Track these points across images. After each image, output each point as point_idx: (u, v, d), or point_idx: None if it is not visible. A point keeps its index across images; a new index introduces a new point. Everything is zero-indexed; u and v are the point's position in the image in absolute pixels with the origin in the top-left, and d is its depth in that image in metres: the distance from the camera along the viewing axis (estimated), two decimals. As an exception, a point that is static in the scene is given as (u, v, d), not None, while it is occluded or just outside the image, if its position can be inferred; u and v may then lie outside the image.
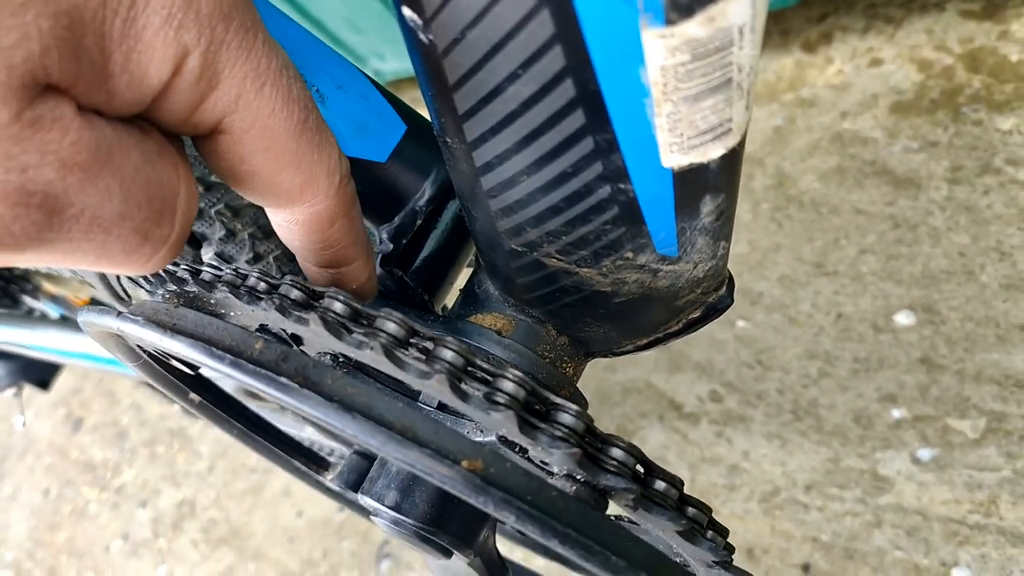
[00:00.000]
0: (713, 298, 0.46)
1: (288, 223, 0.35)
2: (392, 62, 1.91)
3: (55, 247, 0.25)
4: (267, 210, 0.34)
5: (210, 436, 2.03)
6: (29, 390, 1.35)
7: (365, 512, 0.73)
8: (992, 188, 1.17)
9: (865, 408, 1.13)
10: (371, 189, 0.50)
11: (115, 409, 2.33)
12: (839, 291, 1.23)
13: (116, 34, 0.23)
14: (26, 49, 0.21)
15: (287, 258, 0.66)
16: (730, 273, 0.46)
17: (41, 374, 1.24)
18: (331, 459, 0.66)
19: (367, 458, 0.64)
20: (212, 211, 0.62)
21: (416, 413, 0.32)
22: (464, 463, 0.32)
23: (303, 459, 0.66)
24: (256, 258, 0.65)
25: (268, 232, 0.64)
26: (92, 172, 0.24)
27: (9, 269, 1.13)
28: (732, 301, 0.46)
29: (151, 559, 1.91)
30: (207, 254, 0.60)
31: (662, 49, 0.27)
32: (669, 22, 0.26)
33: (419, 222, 0.50)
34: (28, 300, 1.14)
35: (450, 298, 0.58)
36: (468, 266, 0.58)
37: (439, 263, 0.54)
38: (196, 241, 0.59)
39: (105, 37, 0.23)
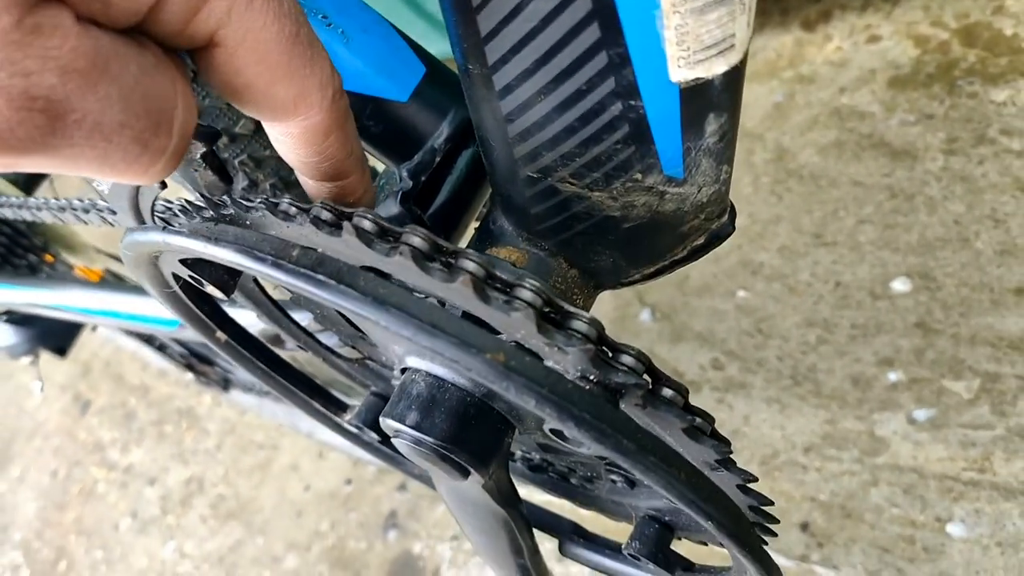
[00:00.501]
0: (716, 225, 0.48)
1: (284, 136, 0.36)
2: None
3: (59, 152, 0.26)
4: (264, 125, 0.36)
5: (218, 414, 2.05)
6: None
7: (379, 452, 0.75)
8: (987, 158, 1.20)
9: (862, 372, 1.16)
10: (392, 128, 0.52)
11: (122, 391, 2.36)
12: (837, 260, 1.26)
13: None
14: None
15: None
16: (732, 203, 0.49)
17: (58, 341, 1.26)
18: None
19: (383, 398, 0.66)
20: (236, 161, 0.64)
21: (443, 311, 0.35)
22: (488, 355, 0.34)
23: (322, 400, 0.68)
24: (276, 207, 0.68)
25: (288, 183, 0.67)
26: (92, 79, 0.25)
27: (29, 239, 1.16)
28: (733, 228, 0.49)
29: (160, 536, 1.94)
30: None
31: (672, -41, 0.29)
32: (678, -68, 0.28)
33: (437, 159, 0.52)
34: (47, 270, 1.17)
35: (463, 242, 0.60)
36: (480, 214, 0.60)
37: (454, 207, 0.56)
38: (229, 177, 0.62)
39: None
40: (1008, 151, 1.19)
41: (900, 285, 1.19)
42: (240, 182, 0.66)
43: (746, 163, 1.43)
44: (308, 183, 0.41)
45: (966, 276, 1.14)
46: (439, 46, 1.90)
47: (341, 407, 0.69)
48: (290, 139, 0.37)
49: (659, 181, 0.42)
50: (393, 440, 0.51)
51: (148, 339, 1.36)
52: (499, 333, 0.41)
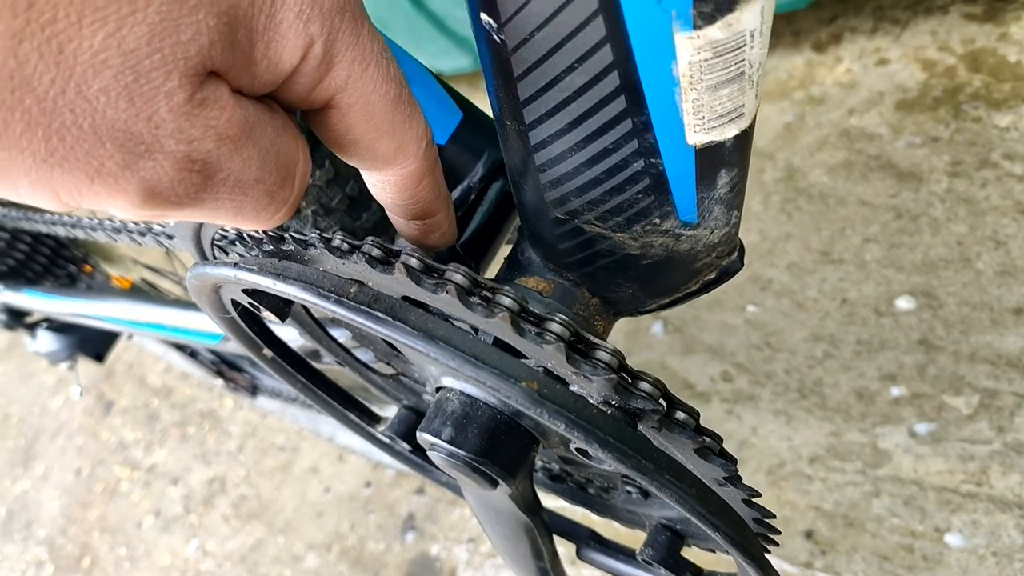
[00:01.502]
0: (726, 262, 0.53)
1: (382, 183, 0.41)
2: (421, 59, 1.96)
3: (205, 205, 0.30)
4: (363, 172, 0.40)
5: (239, 417, 2.10)
6: (59, 372, 1.43)
7: (410, 461, 0.80)
8: (989, 181, 1.24)
9: (866, 386, 1.20)
10: (431, 169, 0.57)
11: (145, 392, 2.41)
12: (844, 278, 1.30)
13: (260, 28, 0.28)
14: (198, 43, 0.26)
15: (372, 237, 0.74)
16: (741, 240, 0.53)
17: (97, 347, 1.31)
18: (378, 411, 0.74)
19: (415, 412, 0.71)
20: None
21: (483, 344, 0.40)
22: (524, 383, 0.39)
23: (356, 412, 0.73)
24: (318, 233, 0.72)
25: (329, 209, 0.72)
26: (240, 143, 0.29)
27: (70, 250, 1.21)
28: (742, 265, 0.53)
29: (182, 534, 1.99)
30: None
31: (690, 48, 0.34)
32: (696, 27, 0.33)
33: (472, 196, 0.57)
34: (85, 280, 1.22)
35: (491, 270, 0.65)
36: (508, 242, 0.65)
37: (485, 236, 0.61)
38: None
39: (252, 31, 0.28)
40: (1010, 175, 1.23)
41: (904, 303, 1.23)
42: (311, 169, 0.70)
43: (757, 182, 1.47)
44: (398, 221, 0.46)
45: (967, 295, 1.18)
46: (458, 62, 1.95)
47: (375, 418, 0.74)
48: (387, 185, 0.41)
49: (675, 226, 0.46)
50: (429, 453, 0.56)
51: (180, 345, 1.41)
52: (527, 358, 0.45)
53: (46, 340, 1.24)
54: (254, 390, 1.54)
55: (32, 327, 1.26)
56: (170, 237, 0.66)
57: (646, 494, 0.64)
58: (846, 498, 1.14)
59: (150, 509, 2.11)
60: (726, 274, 0.54)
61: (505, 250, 0.61)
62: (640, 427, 0.45)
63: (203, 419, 2.19)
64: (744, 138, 0.41)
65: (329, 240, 0.48)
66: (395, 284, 0.44)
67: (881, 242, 1.29)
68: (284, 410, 1.65)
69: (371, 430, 0.73)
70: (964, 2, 1.43)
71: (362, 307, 0.40)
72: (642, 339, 1.46)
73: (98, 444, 2.40)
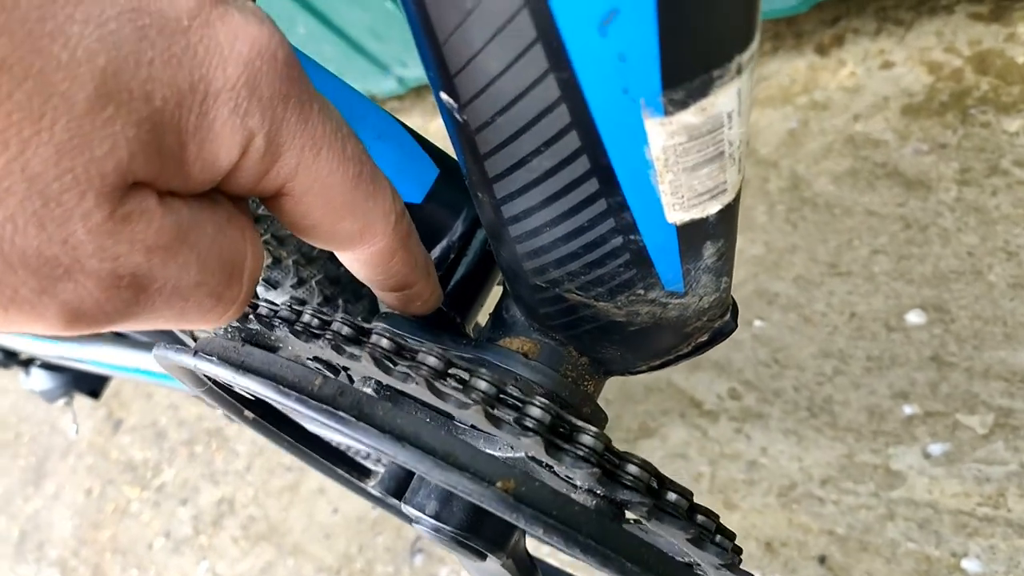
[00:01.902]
0: (719, 324, 0.50)
1: (352, 262, 0.38)
2: (415, 69, 1.95)
3: (140, 316, 0.28)
4: (335, 251, 0.38)
5: (247, 436, 2.09)
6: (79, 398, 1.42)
7: (402, 515, 0.78)
8: (1000, 189, 1.21)
9: (878, 404, 1.17)
10: (408, 228, 0.55)
11: (154, 410, 2.40)
12: (852, 291, 1.27)
13: (191, 128, 0.26)
14: (116, 157, 0.24)
15: (328, 281, 0.72)
16: (734, 300, 0.51)
17: (92, 384, 1.30)
18: (369, 465, 0.72)
19: (404, 468, 0.69)
20: (259, 241, 0.67)
21: (456, 440, 0.37)
22: (499, 483, 0.36)
23: (346, 467, 0.71)
24: (300, 282, 0.70)
25: (311, 259, 0.70)
26: (173, 251, 0.27)
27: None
28: (736, 326, 0.51)
29: (193, 556, 1.98)
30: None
31: (662, 133, 0.31)
32: (668, 113, 0.30)
33: (451, 256, 0.55)
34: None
35: (482, 316, 0.63)
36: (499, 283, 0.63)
37: (469, 288, 0.59)
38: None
39: (182, 132, 0.26)
40: (1020, 182, 1.19)
41: (915, 317, 1.20)
42: (264, 260, 0.68)
43: (761, 191, 1.44)
44: (377, 292, 0.43)
45: (979, 309, 1.15)
46: (386, 84, 1.97)
47: (365, 473, 0.71)
48: (357, 263, 0.39)
49: (661, 295, 0.44)
50: (414, 526, 0.54)
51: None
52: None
53: (40, 378, 1.23)
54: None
55: (26, 364, 1.25)
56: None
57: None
58: (860, 521, 1.11)
59: (160, 530, 2.10)
60: (720, 335, 0.51)
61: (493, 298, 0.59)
62: (629, 514, 0.43)
63: (210, 437, 2.19)
64: (728, 211, 0.38)
65: (295, 318, 0.46)
66: (364, 371, 0.42)
67: (890, 253, 1.26)
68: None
69: (361, 485, 0.71)
70: (970, 1, 1.39)
71: (325, 406, 0.38)
72: (648, 355, 1.43)
73: (107, 463, 2.40)
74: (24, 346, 1.08)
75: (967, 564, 1.03)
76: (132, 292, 0.27)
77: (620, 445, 1.34)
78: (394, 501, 0.72)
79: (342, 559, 1.68)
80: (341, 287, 0.73)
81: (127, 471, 2.33)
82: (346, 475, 0.71)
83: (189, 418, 2.29)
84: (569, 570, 0.73)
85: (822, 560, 1.12)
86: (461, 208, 0.55)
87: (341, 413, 0.38)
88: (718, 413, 1.31)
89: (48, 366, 1.23)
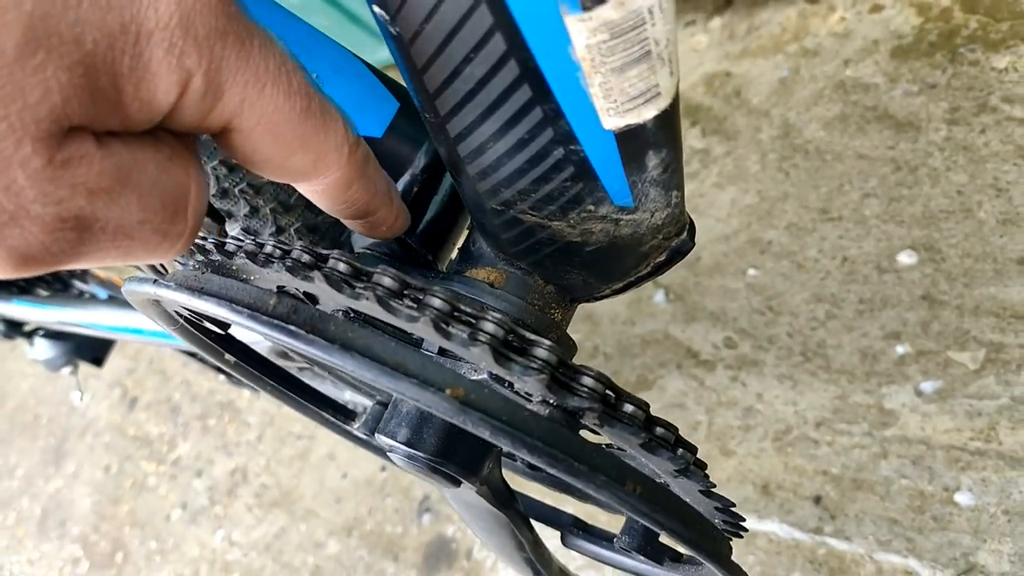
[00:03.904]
0: (676, 242, 0.51)
1: (310, 193, 0.39)
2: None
3: (86, 255, 0.29)
4: (292, 184, 0.39)
5: (257, 407, 2.12)
6: (85, 368, 1.44)
7: (386, 455, 0.79)
8: (989, 126, 1.20)
9: (870, 346, 1.17)
10: (370, 163, 0.55)
11: (167, 386, 2.44)
12: (844, 235, 1.27)
13: (125, 70, 0.26)
14: (49, 102, 0.24)
15: (307, 229, 0.72)
16: (690, 218, 0.51)
17: (95, 352, 1.32)
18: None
19: (387, 407, 0.70)
20: (236, 190, 0.68)
21: (407, 351, 0.38)
22: (448, 391, 0.37)
23: (331, 411, 0.72)
24: (279, 231, 0.71)
25: (288, 207, 0.70)
26: (115, 192, 0.27)
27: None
28: (694, 244, 0.51)
29: (209, 525, 2.02)
30: (233, 229, 0.67)
31: (584, 31, 0.32)
32: (585, 8, 0.31)
33: (415, 188, 0.56)
34: (78, 284, 1.22)
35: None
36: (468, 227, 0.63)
37: (440, 226, 0.59)
38: (220, 217, 0.65)
39: (116, 75, 0.26)
40: (1010, 119, 1.18)
41: (906, 258, 1.20)
42: (242, 209, 0.69)
43: (753, 140, 1.44)
44: (343, 220, 0.44)
45: (969, 247, 1.15)
46: (379, 53, 1.96)
47: (350, 416, 0.73)
48: (315, 195, 0.40)
49: (611, 211, 0.44)
50: (388, 455, 0.55)
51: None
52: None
53: (43, 347, 1.25)
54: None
55: (30, 335, 1.27)
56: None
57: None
58: (854, 461, 1.12)
59: (177, 502, 2.14)
60: (678, 254, 0.52)
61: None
62: (583, 425, 0.43)
63: (223, 410, 2.22)
64: (666, 117, 0.39)
65: (257, 250, 0.47)
66: (319, 292, 0.43)
67: (880, 196, 1.26)
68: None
69: (347, 428, 0.72)
70: (958, -60, 1.38)
71: (276, 321, 0.39)
72: (644, 309, 1.44)
73: (125, 440, 2.44)
74: (26, 314, 1.10)
75: (960, 497, 1.03)
76: (76, 233, 0.27)
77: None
78: (379, 442, 0.73)
79: (352, 521, 1.71)
80: (320, 235, 0.74)
81: (143, 447, 2.36)
82: (331, 418, 0.72)
83: (202, 393, 2.32)
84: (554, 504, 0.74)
85: (817, 500, 1.12)
86: (422, 141, 0.55)
87: (293, 328, 0.39)
88: (714, 362, 1.31)
89: (51, 335, 1.25)
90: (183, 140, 0.32)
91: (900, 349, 1.15)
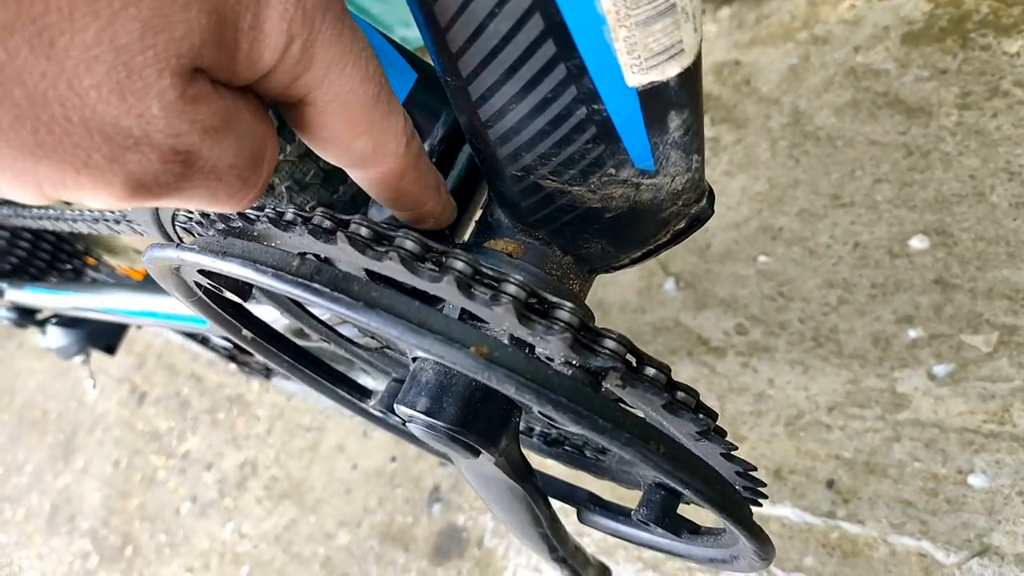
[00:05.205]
0: (695, 209, 0.51)
1: (363, 180, 0.41)
2: (417, 29, 1.95)
3: (182, 192, 0.31)
4: (345, 168, 0.40)
5: (267, 400, 2.12)
6: (93, 363, 1.45)
7: (402, 433, 0.79)
8: (1001, 111, 1.20)
9: (882, 331, 1.17)
10: (389, 134, 0.56)
11: (176, 381, 2.44)
12: (855, 221, 1.27)
13: (246, 27, 0.28)
14: (190, 40, 0.26)
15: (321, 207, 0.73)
16: (710, 186, 0.51)
17: (107, 339, 1.33)
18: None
19: (402, 383, 0.70)
20: (252, 167, 0.68)
21: (430, 310, 0.38)
22: (472, 348, 0.37)
23: (347, 388, 0.72)
24: (293, 209, 0.71)
25: (304, 185, 0.71)
26: (221, 133, 0.30)
27: (72, 244, 1.22)
28: (713, 211, 0.51)
29: (219, 518, 2.02)
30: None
31: (610, -19, 0.32)
32: (612, -42, 0.31)
33: (433, 160, 0.56)
34: (90, 273, 1.22)
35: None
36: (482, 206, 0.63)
37: (457, 199, 0.59)
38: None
39: (238, 29, 0.28)
40: (1021, 103, 1.18)
41: (918, 242, 1.19)
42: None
43: (763, 128, 1.44)
44: (391, 209, 0.46)
45: (982, 230, 1.14)
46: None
47: (365, 393, 0.73)
48: (368, 182, 0.41)
49: (632, 174, 0.44)
50: (407, 425, 0.55)
51: (191, 334, 1.41)
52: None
53: (56, 336, 1.25)
54: (268, 372, 1.55)
55: (42, 323, 1.27)
56: (140, 224, 0.65)
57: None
58: (866, 445, 1.12)
59: (186, 495, 2.14)
60: (697, 221, 0.52)
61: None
62: (605, 386, 0.43)
63: (232, 404, 2.22)
64: (689, 76, 0.39)
65: (279, 216, 0.47)
66: (342, 255, 0.43)
67: (892, 181, 1.26)
68: (305, 390, 1.65)
69: (363, 405, 0.73)
70: (969, -75, 1.37)
71: (300, 280, 0.39)
72: (655, 297, 1.44)
73: (134, 435, 2.44)
74: (40, 300, 1.11)
75: (973, 479, 1.03)
76: (183, 168, 0.29)
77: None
78: (395, 419, 0.73)
79: (362, 512, 1.71)
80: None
81: (152, 441, 2.37)
82: (347, 395, 0.72)
83: (211, 387, 2.33)
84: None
85: (830, 484, 1.12)
86: (440, 112, 0.56)
87: (317, 286, 0.39)
88: (725, 349, 1.31)
89: (63, 323, 1.26)
90: (264, 102, 0.34)
91: (913, 333, 1.15)
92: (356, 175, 0.41)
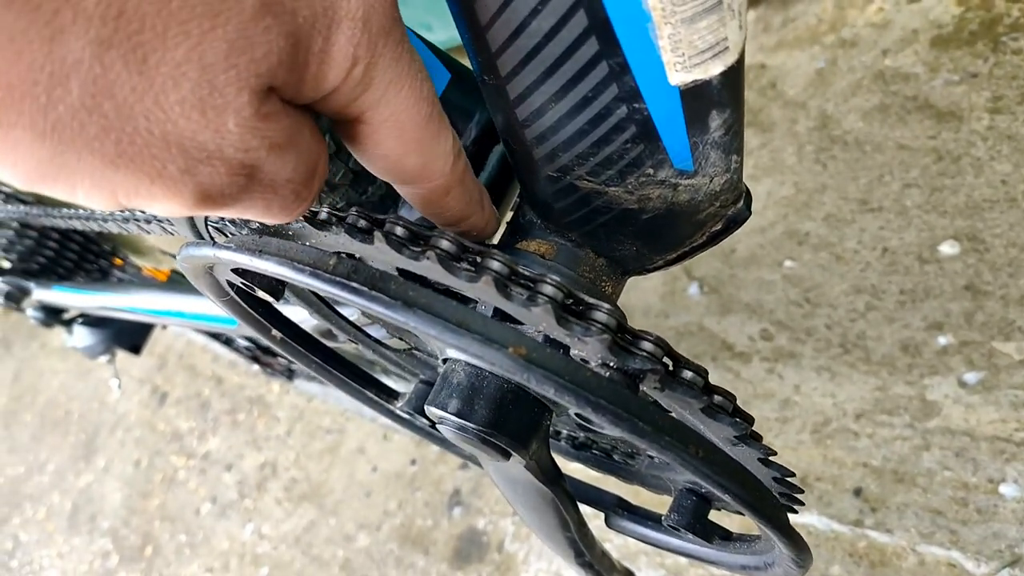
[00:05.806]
0: (732, 211, 0.50)
1: (410, 195, 0.41)
2: (439, 32, 1.96)
3: (242, 203, 0.32)
4: (392, 184, 0.41)
5: (287, 402, 2.13)
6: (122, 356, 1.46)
7: (429, 435, 0.79)
8: (1033, 115, 1.19)
9: (912, 337, 1.16)
10: (422, 134, 0.55)
11: (197, 382, 2.45)
12: (884, 226, 1.25)
13: (316, 49, 0.29)
14: (268, 61, 0.27)
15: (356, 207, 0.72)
16: (747, 187, 0.50)
17: (133, 339, 1.33)
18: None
19: (431, 386, 0.70)
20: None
21: (468, 310, 0.38)
22: (510, 349, 0.37)
23: (375, 390, 0.72)
24: (323, 210, 0.71)
25: (332, 186, 0.70)
26: (284, 149, 0.31)
27: (99, 244, 1.23)
28: (750, 213, 0.51)
29: (239, 519, 2.03)
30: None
31: (657, -22, 0.31)
32: (661, -46, 0.30)
33: (467, 160, 0.55)
34: (116, 273, 1.23)
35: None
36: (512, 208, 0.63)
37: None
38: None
39: (309, 52, 0.29)
40: (1055, 107, 1.17)
41: (948, 248, 1.18)
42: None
43: (790, 132, 1.43)
44: (435, 222, 0.47)
45: (1014, 236, 1.13)
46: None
47: (393, 395, 0.72)
48: (414, 197, 0.42)
49: (671, 175, 0.44)
50: (438, 426, 0.55)
51: (215, 334, 1.42)
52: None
53: (82, 335, 1.26)
54: (290, 374, 1.55)
55: (69, 323, 1.28)
56: (172, 223, 0.66)
57: (666, 458, 0.62)
58: (895, 453, 1.11)
59: (207, 496, 2.15)
60: (734, 223, 0.51)
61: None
62: (642, 389, 0.43)
63: (252, 405, 2.23)
64: (732, 75, 0.38)
65: (312, 215, 0.47)
66: (379, 254, 0.43)
67: (922, 186, 1.24)
68: (326, 392, 1.66)
69: (390, 407, 0.72)
70: (999, -73, 1.36)
71: (338, 279, 0.38)
72: (679, 301, 1.43)
73: (155, 435, 2.46)
74: (67, 300, 1.11)
75: (1005, 489, 1.01)
76: (247, 180, 0.31)
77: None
78: (423, 421, 0.73)
79: (382, 515, 1.71)
80: (363, 214, 0.74)
81: (173, 441, 2.38)
82: (374, 397, 0.72)
83: (231, 388, 2.34)
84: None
85: (857, 492, 1.11)
86: (473, 113, 0.55)
87: (355, 284, 0.39)
88: (750, 354, 1.30)
89: (89, 323, 1.26)
90: (318, 120, 0.35)
91: (943, 340, 1.13)
92: (404, 190, 0.41)
